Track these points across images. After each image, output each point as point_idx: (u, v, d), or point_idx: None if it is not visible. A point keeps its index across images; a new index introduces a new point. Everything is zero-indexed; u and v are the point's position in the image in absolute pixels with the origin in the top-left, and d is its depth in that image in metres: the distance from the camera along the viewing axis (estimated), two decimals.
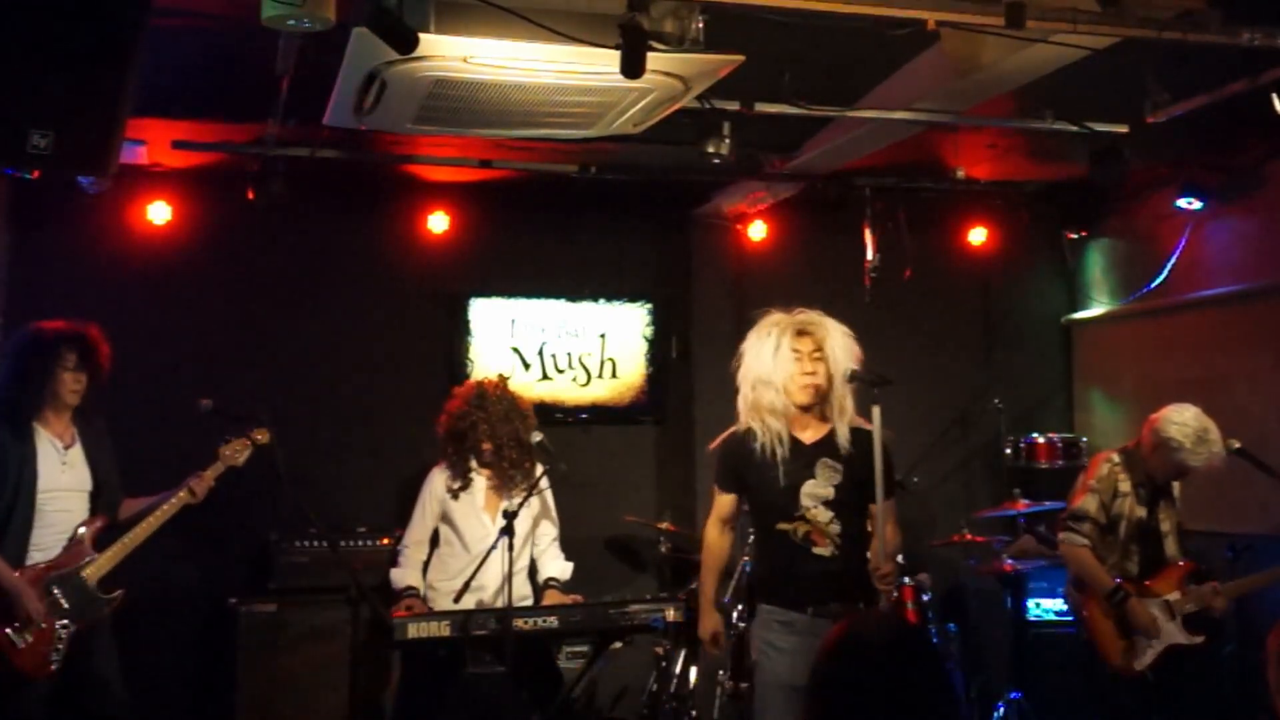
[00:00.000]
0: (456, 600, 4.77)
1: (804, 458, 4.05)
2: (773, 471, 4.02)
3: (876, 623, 2.25)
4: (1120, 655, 4.93)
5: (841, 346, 4.05)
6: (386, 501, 6.30)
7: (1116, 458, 5.02)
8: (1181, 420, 4.83)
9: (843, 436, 4.05)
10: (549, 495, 5.30)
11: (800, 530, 3.99)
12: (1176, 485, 5.07)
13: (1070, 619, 6.50)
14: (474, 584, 4.68)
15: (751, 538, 4.32)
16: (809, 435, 4.10)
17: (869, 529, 4.07)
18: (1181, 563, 4.99)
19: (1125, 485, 4.95)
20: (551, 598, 5.14)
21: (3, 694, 4.38)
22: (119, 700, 4.64)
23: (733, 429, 4.18)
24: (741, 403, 4.14)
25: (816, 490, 4.02)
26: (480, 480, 5.17)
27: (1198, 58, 3.91)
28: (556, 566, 5.28)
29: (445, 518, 5.18)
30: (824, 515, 4.00)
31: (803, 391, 4.04)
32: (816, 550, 3.97)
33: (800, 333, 4.05)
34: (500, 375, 5.49)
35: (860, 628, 2.11)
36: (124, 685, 4.67)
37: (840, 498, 4.02)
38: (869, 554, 4.02)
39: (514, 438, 5.11)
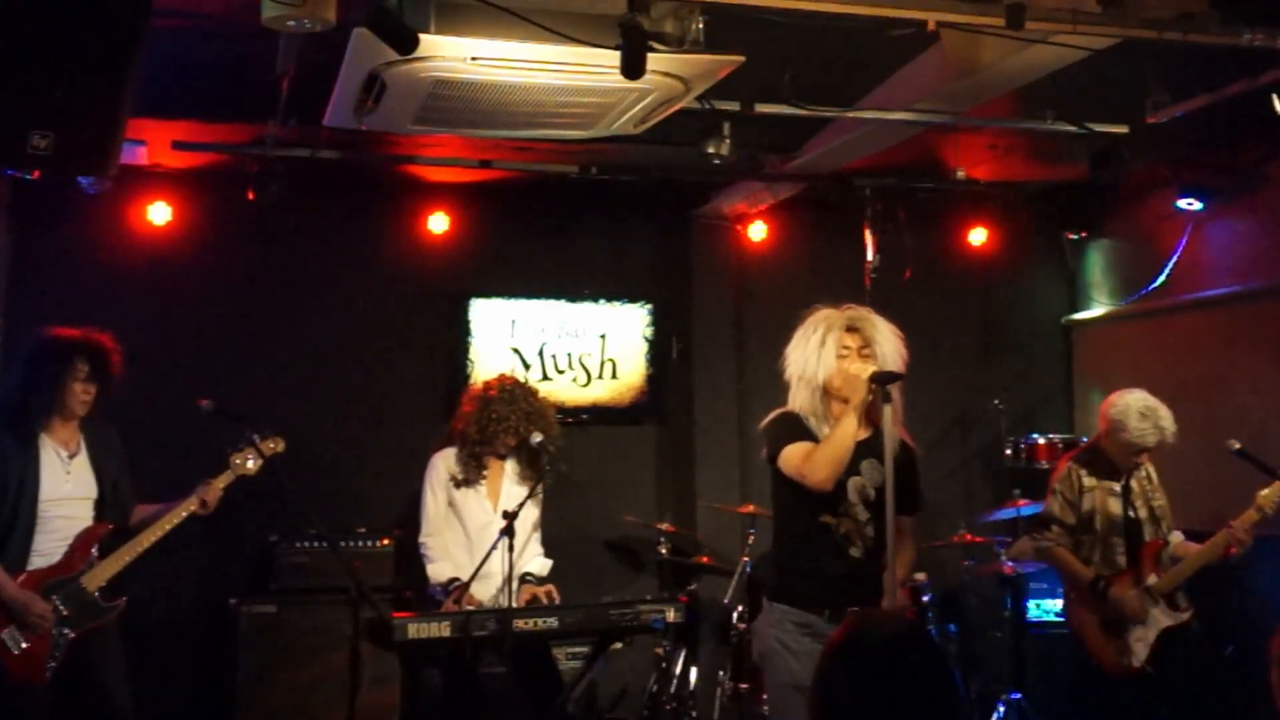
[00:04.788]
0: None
1: (851, 453, 3.85)
2: None
3: (882, 621, 2.24)
4: (1114, 656, 4.88)
5: (891, 345, 3.88)
6: (387, 502, 6.29)
7: (1079, 456, 5.06)
8: (1123, 402, 4.87)
9: (889, 438, 3.75)
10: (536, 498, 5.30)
11: (843, 526, 3.86)
12: (1152, 471, 5.03)
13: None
14: (481, 571, 4.71)
15: (777, 531, 4.06)
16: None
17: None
18: (1148, 542, 4.94)
19: (1090, 481, 4.95)
20: (526, 592, 5.12)
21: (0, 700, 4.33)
22: (120, 709, 4.57)
23: (785, 409, 3.97)
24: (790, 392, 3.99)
25: (861, 486, 3.89)
26: (491, 470, 5.19)
27: (1198, 58, 3.91)
28: (536, 563, 5.26)
29: (450, 502, 5.19)
30: (863, 514, 3.88)
31: (848, 385, 3.83)
32: (852, 551, 3.85)
33: (850, 329, 3.90)
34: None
35: (866, 625, 2.11)
36: (128, 694, 4.61)
37: (879, 499, 3.82)
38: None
39: (552, 435, 5.14)
